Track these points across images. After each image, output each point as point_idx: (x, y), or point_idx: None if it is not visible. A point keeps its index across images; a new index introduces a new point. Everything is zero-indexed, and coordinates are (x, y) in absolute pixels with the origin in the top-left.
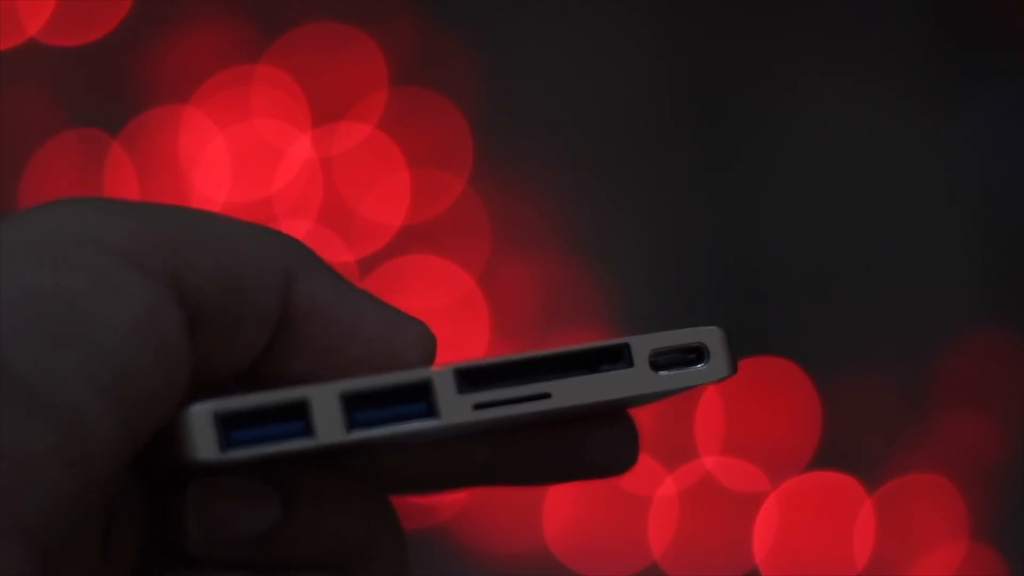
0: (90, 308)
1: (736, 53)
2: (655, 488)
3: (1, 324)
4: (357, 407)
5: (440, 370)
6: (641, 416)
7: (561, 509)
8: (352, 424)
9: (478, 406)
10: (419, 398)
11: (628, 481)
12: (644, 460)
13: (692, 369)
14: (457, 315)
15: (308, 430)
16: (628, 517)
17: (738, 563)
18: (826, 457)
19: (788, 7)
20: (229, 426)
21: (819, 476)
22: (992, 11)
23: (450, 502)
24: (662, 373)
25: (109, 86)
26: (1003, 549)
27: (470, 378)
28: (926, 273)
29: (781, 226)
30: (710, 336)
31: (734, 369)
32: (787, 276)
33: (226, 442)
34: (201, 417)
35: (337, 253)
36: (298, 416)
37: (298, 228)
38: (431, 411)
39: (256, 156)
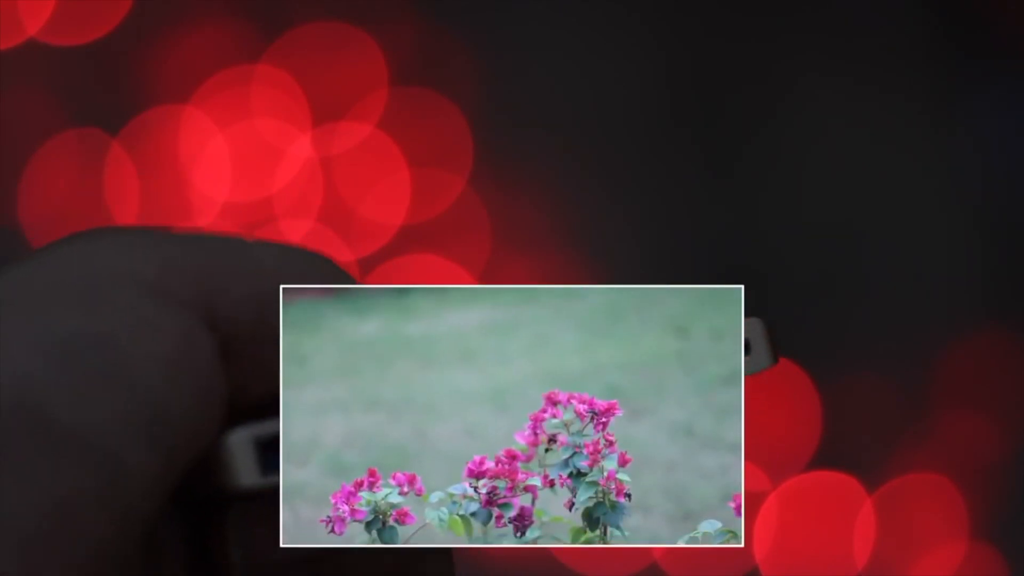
0: (127, 347)
1: (736, 53)
2: None
3: (42, 371)
4: None
5: None
6: None
7: None
8: None
9: None
10: None
11: None
12: None
13: None
14: None
15: None
16: None
17: (738, 563)
18: (826, 457)
19: (788, 7)
20: (268, 450)
21: (819, 476)
22: (992, 12)
23: None
24: None
25: (109, 86)
26: (1003, 549)
27: None
28: (926, 273)
29: (781, 226)
30: (751, 328)
31: (775, 359)
32: (787, 276)
33: (266, 466)
34: (241, 444)
35: (337, 253)
36: None
37: (298, 228)
38: None
39: (256, 156)
